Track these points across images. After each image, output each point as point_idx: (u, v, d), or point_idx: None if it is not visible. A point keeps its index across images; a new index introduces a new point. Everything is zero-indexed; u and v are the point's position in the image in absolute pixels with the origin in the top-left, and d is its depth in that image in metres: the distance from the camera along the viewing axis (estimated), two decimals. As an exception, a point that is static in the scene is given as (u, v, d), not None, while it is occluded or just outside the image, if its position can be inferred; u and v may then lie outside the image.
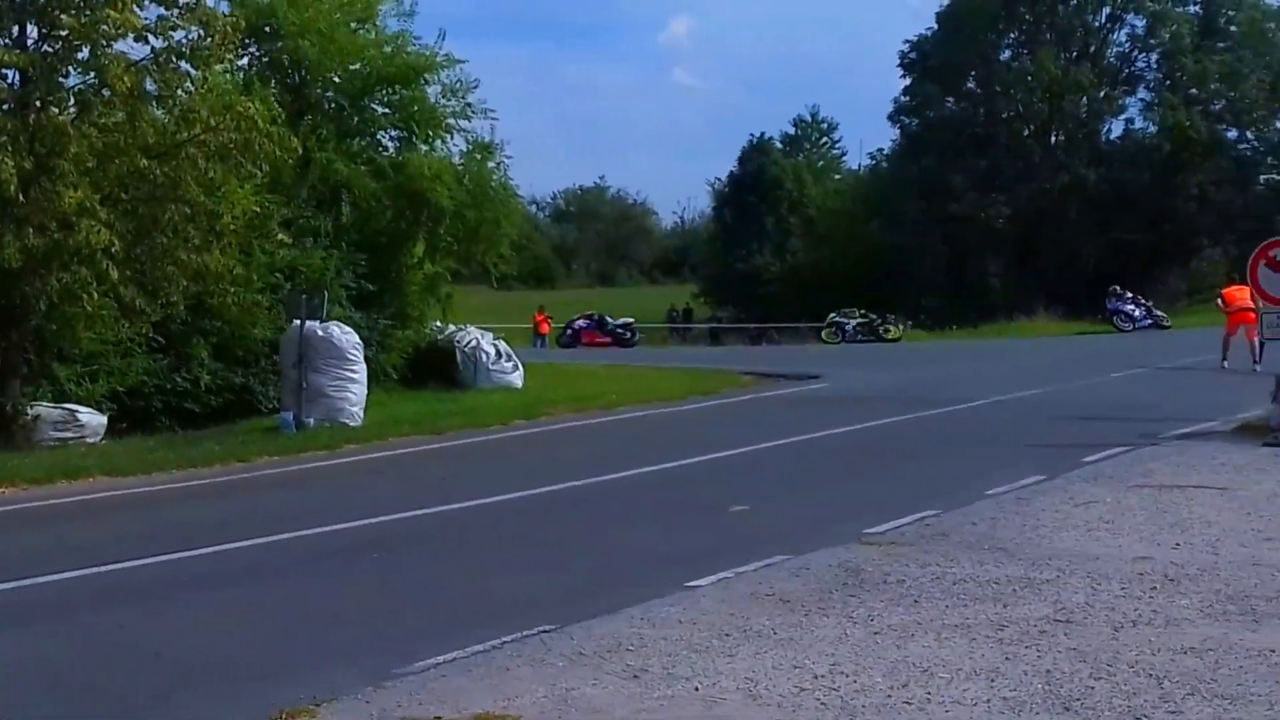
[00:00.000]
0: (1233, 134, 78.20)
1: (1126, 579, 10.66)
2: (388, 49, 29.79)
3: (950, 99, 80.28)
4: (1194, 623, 9.42)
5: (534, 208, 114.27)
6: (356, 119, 30.03)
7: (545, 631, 9.52)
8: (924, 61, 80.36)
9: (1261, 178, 77.43)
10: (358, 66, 29.57)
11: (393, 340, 29.37)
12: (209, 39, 21.92)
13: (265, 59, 29.36)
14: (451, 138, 30.51)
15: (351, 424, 24.01)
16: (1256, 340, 27.92)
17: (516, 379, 30.71)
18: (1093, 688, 7.99)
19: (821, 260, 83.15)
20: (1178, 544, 11.99)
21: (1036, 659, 8.58)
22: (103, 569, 12.64)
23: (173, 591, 11.65)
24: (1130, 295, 57.25)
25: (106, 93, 21.51)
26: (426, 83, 30.00)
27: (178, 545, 13.63)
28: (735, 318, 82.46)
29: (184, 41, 22.00)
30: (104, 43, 21.44)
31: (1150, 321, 55.65)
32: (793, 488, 16.80)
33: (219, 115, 21.91)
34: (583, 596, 10.74)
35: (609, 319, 64.30)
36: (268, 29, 28.72)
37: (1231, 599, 10.04)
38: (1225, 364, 30.96)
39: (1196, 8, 79.29)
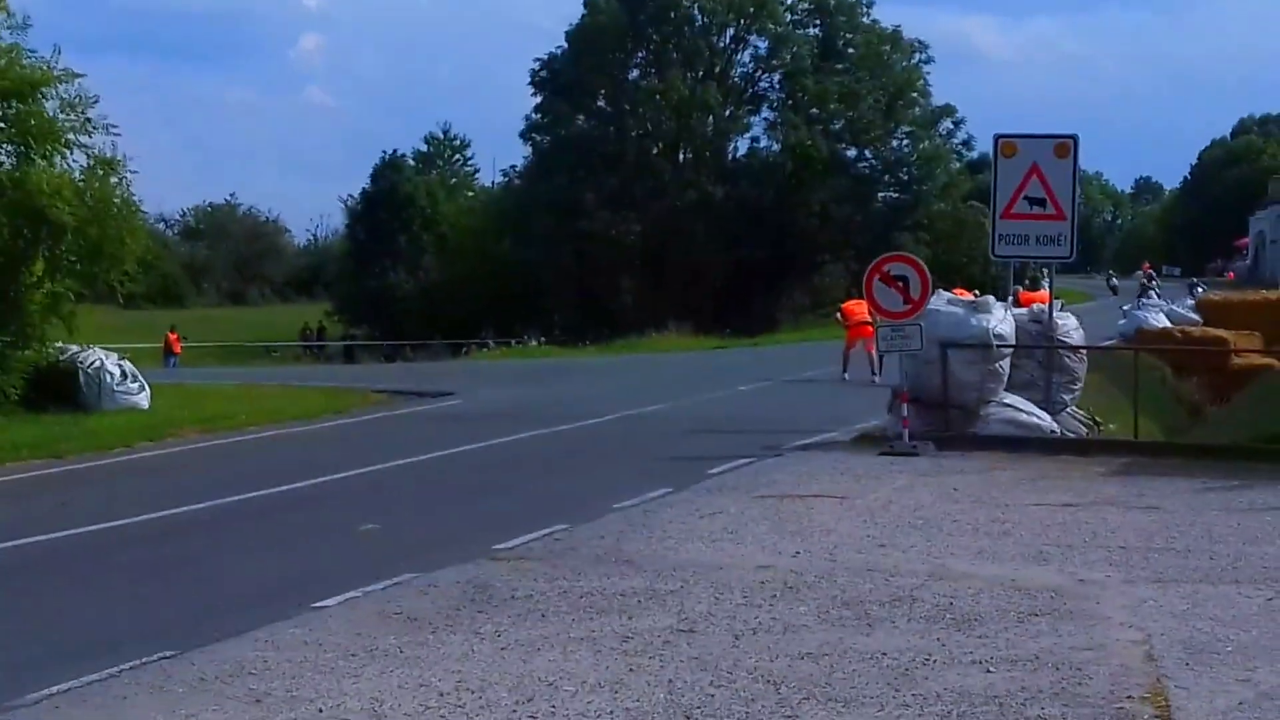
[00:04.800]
0: (852, 153, 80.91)
1: (748, 588, 10.90)
2: (1, 62, 28.75)
3: (581, 117, 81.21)
4: (812, 629, 9.69)
5: (162, 225, 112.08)
6: (-31, 134, 28.93)
7: (165, 658, 9.31)
8: (555, 80, 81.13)
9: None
10: (-32, 80, 28.48)
11: (12, 361, 28.31)
12: None
13: None
14: (71, 153, 29.53)
15: (-35, 449, 23.11)
16: (875, 353, 28.91)
17: (143, 400, 29.90)
18: (713, 695, 8.16)
19: (455, 277, 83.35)
20: (798, 552, 12.31)
21: (659, 669, 8.72)
22: None
23: None
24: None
25: None
26: (44, 97, 28.99)
27: None
28: (370, 336, 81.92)
29: None
30: None
31: None
32: (422, 505, 16.76)
33: None
34: (206, 621, 10.54)
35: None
36: None
37: (847, 604, 10.35)
38: (846, 376, 31.87)
39: (816, 30, 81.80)
